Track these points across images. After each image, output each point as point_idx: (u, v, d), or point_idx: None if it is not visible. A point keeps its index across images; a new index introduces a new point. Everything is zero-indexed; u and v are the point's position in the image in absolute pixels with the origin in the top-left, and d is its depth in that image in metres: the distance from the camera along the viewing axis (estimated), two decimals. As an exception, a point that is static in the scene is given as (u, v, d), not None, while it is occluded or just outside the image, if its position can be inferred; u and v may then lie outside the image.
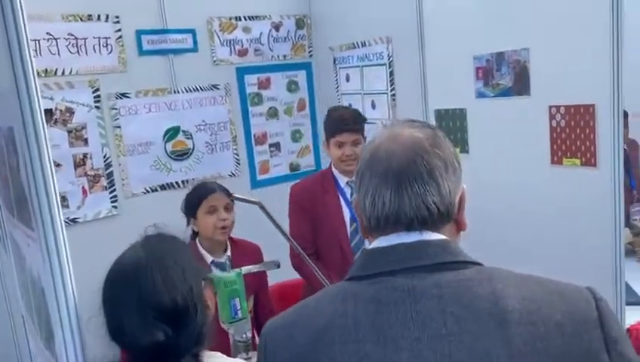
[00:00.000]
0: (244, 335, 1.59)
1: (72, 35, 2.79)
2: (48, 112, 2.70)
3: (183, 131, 3.14)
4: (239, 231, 2.24)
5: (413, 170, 0.80)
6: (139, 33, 2.97)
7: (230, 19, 3.27)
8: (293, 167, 3.55)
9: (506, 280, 0.76)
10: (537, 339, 0.71)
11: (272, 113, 3.45)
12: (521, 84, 2.32)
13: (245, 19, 3.32)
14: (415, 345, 0.73)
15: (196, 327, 1.06)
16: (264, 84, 3.41)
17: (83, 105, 2.83)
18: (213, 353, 1.11)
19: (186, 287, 1.06)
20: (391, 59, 2.99)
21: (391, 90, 3.03)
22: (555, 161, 2.23)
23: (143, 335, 1.00)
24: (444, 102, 2.71)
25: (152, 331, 1.00)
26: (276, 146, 3.48)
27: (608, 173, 2.03)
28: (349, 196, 2.31)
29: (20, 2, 0.92)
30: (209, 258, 2.10)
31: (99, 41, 2.87)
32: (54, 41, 2.74)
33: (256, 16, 3.36)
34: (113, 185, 2.93)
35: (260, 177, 3.42)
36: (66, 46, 2.77)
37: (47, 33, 2.71)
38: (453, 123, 2.67)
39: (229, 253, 2.15)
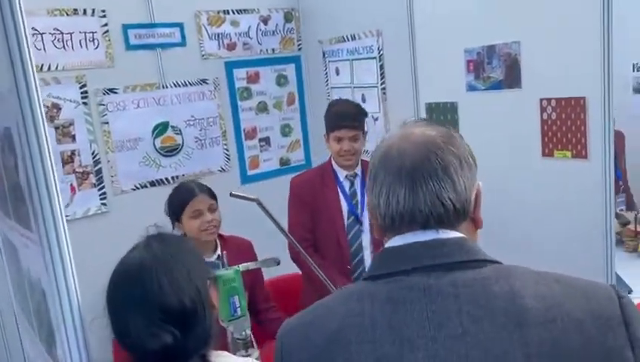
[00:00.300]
0: (243, 333, 1.58)
1: (58, 29, 2.74)
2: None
3: (172, 127, 3.11)
4: (234, 228, 2.23)
5: (427, 166, 0.79)
6: (126, 27, 2.93)
7: (218, 12, 3.24)
8: (284, 162, 3.54)
9: (524, 277, 0.75)
10: (556, 338, 0.70)
11: (262, 107, 3.43)
12: (512, 78, 2.33)
13: (233, 12, 3.29)
14: (431, 345, 0.72)
15: (205, 329, 1.05)
16: (253, 79, 3.38)
17: (70, 101, 2.79)
18: (220, 352, 1.10)
19: (193, 288, 1.05)
20: (381, 52, 2.98)
21: (381, 84, 3.03)
22: (546, 153, 2.25)
23: (150, 338, 0.99)
24: (435, 95, 2.71)
25: (160, 333, 0.99)
26: (266, 141, 3.46)
27: (599, 165, 2.06)
28: (347, 190, 2.32)
29: (19, 2, 0.90)
30: None
31: (85, 35, 2.82)
32: (40, 36, 2.68)
33: (245, 10, 3.33)
34: (102, 182, 2.90)
35: (250, 172, 3.40)
36: (52, 41, 2.72)
37: (32, 28, 2.66)
38: (444, 116, 2.68)
39: (219, 251, 2.13)
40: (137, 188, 3.01)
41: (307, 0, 3.49)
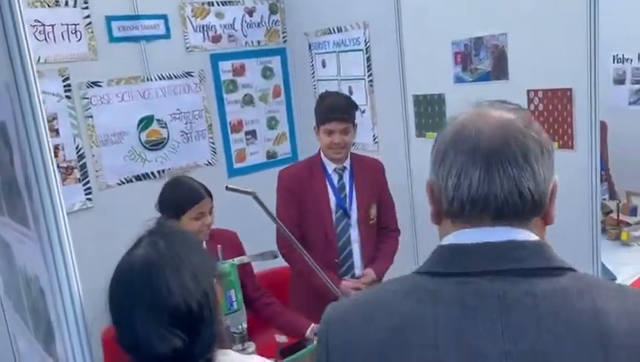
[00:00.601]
0: (239, 326, 1.58)
1: (39, 21, 2.68)
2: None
3: (157, 120, 3.07)
4: (226, 222, 2.21)
5: (507, 151, 0.70)
6: (109, 19, 2.87)
7: (203, 4, 3.20)
8: (270, 155, 3.52)
9: (606, 291, 0.70)
10: None
11: (248, 100, 3.41)
12: (499, 69, 2.36)
13: (218, 4, 3.26)
14: (503, 360, 0.66)
15: (211, 333, 1.01)
16: (238, 71, 3.36)
17: (53, 94, 2.73)
18: (224, 351, 1.07)
19: (200, 292, 1.00)
20: (368, 44, 2.98)
21: (368, 76, 3.03)
22: (534, 144, 2.28)
23: (159, 341, 0.94)
24: (423, 87, 2.73)
25: (169, 337, 0.94)
26: (252, 134, 3.45)
27: (585, 156, 2.10)
28: (336, 183, 2.31)
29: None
30: None
31: (67, 27, 2.76)
32: (20, 28, 2.62)
33: (229, 1, 3.30)
34: (87, 176, 2.85)
35: (236, 165, 3.38)
36: (33, 33, 2.65)
37: (12, 20, 2.59)
38: (431, 108, 2.70)
39: (204, 246, 2.10)
40: (123, 182, 2.97)
41: (292, -9, 3.47)
